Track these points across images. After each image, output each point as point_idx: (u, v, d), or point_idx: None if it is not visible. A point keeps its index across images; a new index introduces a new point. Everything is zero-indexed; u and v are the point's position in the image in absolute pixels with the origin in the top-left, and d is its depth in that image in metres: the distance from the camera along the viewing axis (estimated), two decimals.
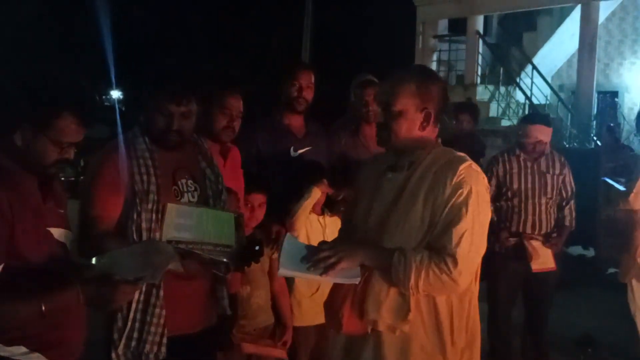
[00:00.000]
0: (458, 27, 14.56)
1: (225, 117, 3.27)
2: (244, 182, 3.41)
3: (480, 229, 2.26)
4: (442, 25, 15.01)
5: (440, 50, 15.02)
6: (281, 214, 3.59)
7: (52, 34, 15.58)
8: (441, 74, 15.18)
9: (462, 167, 2.27)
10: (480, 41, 13.60)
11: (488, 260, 4.52)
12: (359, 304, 2.29)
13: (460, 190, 2.22)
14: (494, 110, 13.02)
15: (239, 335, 3.35)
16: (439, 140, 2.42)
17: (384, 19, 15.41)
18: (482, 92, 13.17)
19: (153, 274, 2.23)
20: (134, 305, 2.56)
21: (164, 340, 2.58)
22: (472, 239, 2.21)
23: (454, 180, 2.24)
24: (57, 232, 2.19)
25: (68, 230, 2.26)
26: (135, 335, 2.56)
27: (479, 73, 13.68)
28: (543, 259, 4.46)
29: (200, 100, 2.81)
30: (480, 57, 13.65)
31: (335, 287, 2.39)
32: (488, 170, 4.66)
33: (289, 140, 3.88)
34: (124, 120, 3.25)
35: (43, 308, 1.98)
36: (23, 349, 2.05)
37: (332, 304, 2.40)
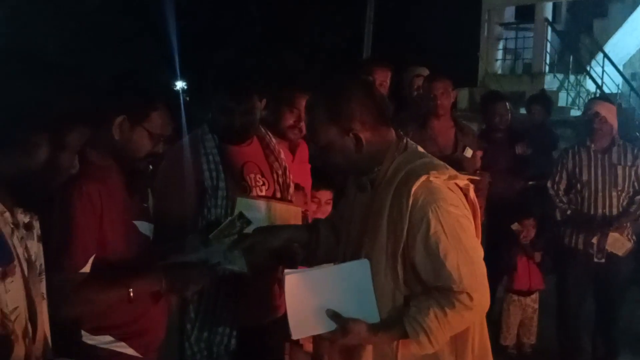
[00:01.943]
0: (525, 14, 14.21)
1: (292, 116, 3.23)
2: (311, 178, 3.44)
3: (471, 244, 1.97)
4: (509, 13, 14.67)
5: (506, 39, 14.69)
6: None
7: (119, 24, 15.97)
8: (507, 63, 14.93)
9: (415, 186, 1.92)
10: (549, 28, 13.23)
11: (557, 254, 4.53)
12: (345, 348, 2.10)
13: (425, 218, 1.91)
14: (562, 99, 12.65)
15: None
16: (404, 141, 2.09)
17: (447, 6, 15.16)
18: (550, 81, 12.81)
19: (228, 260, 2.30)
20: (205, 297, 2.63)
21: (234, 332, 2.64)
22: (470, 263, 1.94)
23: (410, 204, 1.92)
24: (142, 226, 2.25)
25: (151, 224, 2.33)
26: (207, 326, 2.64)
27: (547, 61, 13.31)
28: (620, 243, 4.35)
29: (269, 97, 2.83)
30: (548, 45, 13.28)
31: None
32: (558, 163, 4.60)
33: None
34: (188, 110, 3.31)
35: (131, 293, 2.06)
36: (109, 338, 2.13)
37: (317, 344, 2.27)
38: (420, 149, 2.14)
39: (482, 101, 5.37)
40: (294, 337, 2.00)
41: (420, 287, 1.98)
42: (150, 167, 2.57)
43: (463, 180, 2.05)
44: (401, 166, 2.01)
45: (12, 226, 1.55)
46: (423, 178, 1.94)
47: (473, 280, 1.93)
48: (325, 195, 3.44)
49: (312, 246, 2.32)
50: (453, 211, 1.94)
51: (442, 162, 2.08)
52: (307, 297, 1.98)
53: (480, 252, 2.02)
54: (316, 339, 2.20)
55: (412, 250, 1.94)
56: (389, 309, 1.99)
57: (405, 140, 2.11)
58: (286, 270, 2.01)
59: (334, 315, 1.96)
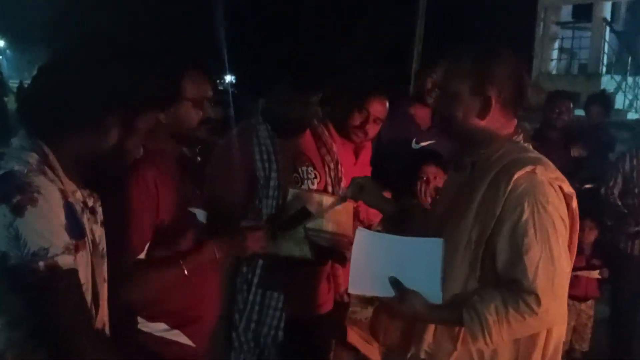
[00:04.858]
0: (583, 13, 13.90)
1: (360, 117, 3.17)
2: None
3: (558, 250, 1.85)
4: (566, 12, 14.40)
5: (562, 38, 14.42)
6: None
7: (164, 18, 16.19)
8: (562, 63, 14.63)
9: (518, 174, 1.85)
10: (607, 28, 12.92)
11: (612, 261, 4.39)
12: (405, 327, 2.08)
13: (520, 207, 1.83)
14: (620, 102, 12.32)
15: (348, 324, 3.35)
16: (518, 137, 2.02)
17: (503, 4, 14.92)
18: (607, 83, 12.50)
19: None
20: (253, 288, 2.62)
21: (282, 324, 2.63)
22: (551, 265, 1.82)
23: (508, 191, 1.84)
24: (199, 214, 2.25)
25: (205, 211, 2.31)
26: (255, 317, 2.63)
27: (605, 62, 13.00)
28: None
29: (340, 95, 2.79)
30: (606, 45, 12.97)
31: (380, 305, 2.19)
32: (614, 167, 4.48)
33: (412, 132, 3.80)
34: (237, 103, 3.30)
35: (185, 269, 2.06)
36: (164, 326, 2.13)
37: (376, 321, 2.24)
38: (531, 148, 2.05)
39: (547, 99, 5.21)
40: (350, 291, 2.01)
41: (493, 281, 1.89)
42: (199, 158, 2.56)
43: (568, 186, 1.95)
44: (507, 155, 1.94)
45: (81, 205, 1.59)
46: (528, 168, 1.88)
47: (547, 285, 1.81)
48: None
49: (399, 223, 2.31)
50: (550, 209, 1.85)
51: (552, 164, 1.99)
52: (373, 258, 1.98)
53: (567, 264, 1.90)
54: (374, 316, 2.19)
55: (497, 237, 1.86)
56: (457, 292, 1.92)
57: (520, 137, 2.03)
58: (360, 228, 2.02)
59: (395, 282, 1.92)
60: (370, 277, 1.97)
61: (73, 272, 1.46)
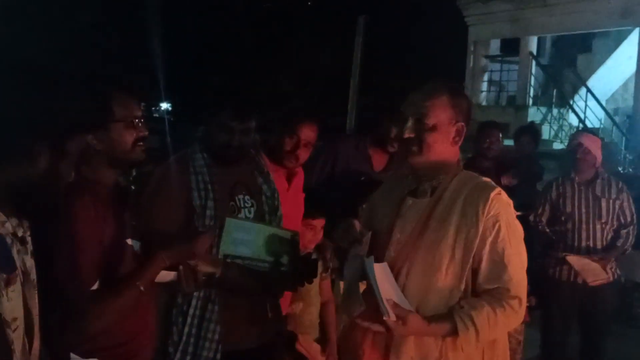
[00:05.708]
0: (510, 47, 14.42)
1: (291, 142, 3.21)
2: (307, 204, 3.42)
3: (524, 259, 2.21)
4: (494, 45, 14.90)
5: (491, 71, 14.91)
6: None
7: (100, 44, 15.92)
8: (491, 94, 15.10)
9: (492, 195, 2.14)
10: (533, 62, 13.45)
11: (542, 286, 4.52)
12: (383, 343, 2.20)
13: (497, 225, 2.11)
14: (546, 132, 12.81)
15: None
16: (461, 164, 2.31)
17: (435, 38, 15.35)
18: (534, 114, 12.98)
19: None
20: (189, 320, 2.58)
21: (218, 356, 2.59)
22: (523, 273, 2.18)
23: (486, 211, 2.12)
24: (135, 245, 2.22)
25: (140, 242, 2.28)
26: (190, 349, 2.57)
27: (531, 94, 13.50)
28: (595, 272, 4.35)
29: (273, 121, 2.81)
30: (532, 78, 13.48)
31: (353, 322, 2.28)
32: (542, 195, 4.64)
33: (364, 170, 3.87)
34: (173, 130, 3.28)
35: (141, 287, 2.06)
36: None
37: (349, 339, 2.34)
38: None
39: (478, 129, 5.37)
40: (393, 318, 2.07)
41: (472, 290, 2.15)
42: (134, 187, 2.53)
43: (513, 208, 2.23)
44: (466, 181, 2.22)
45: (11, 237, 1.54)
46: (497, 191, 2.16)
47: (524, 290, 2.15)
48: (320, 223, 3.44)
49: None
50: (517, 226, 2.19)
51: None
52: (387, 286, 2.11)
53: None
54: (350, 331, 2.32)
55: (481, 252, 2.13)
56: (442, 305, 2.13)
57: (461, 165, 2.31)
58: (369, 259, 2.11)
59: (394, 305, 2.06)
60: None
61: None
